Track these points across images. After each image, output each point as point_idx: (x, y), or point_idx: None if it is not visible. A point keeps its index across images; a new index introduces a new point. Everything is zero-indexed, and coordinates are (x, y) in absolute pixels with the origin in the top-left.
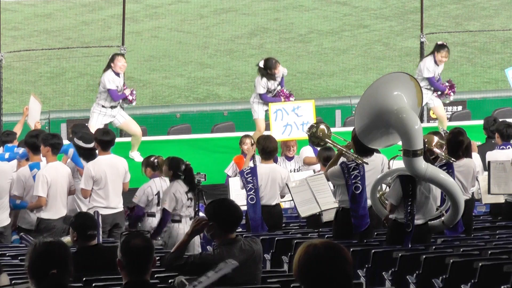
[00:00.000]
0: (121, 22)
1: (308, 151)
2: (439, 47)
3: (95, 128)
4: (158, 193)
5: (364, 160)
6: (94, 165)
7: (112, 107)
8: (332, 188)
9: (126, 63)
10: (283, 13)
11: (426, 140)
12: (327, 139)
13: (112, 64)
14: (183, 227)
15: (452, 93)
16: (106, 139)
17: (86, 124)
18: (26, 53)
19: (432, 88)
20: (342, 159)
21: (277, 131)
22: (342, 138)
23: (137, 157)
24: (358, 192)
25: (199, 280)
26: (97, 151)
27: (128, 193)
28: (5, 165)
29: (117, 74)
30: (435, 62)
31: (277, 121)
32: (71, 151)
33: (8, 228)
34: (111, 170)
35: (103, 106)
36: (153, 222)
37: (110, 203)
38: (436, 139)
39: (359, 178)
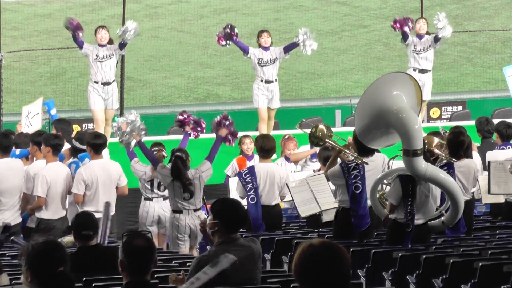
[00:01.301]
0: (121, 22)
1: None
2: (415, 21)
3: (97, 111)
4: (151, 181)
5: (364, 160)
6: (86, 170)
7: (104, 84)
8: (332, 188)
9: (106, 33)
10: (283, 13)
11: (426, 141)
12: (326, 139)
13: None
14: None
15: (409, 25)
16: (98, 142)
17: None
18: (26, 53)
19: (417, 48)
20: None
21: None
22: (342, 138)
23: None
24: (358, 192)
25: (197, 277)
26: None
27: (125, 196)
28: (17, 163)
29: (102, 46)
30: (417, 36)
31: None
32: (87, 160)
33: (19, 226)
34: (103, 174)
35: (95, 82)
36: (150, 206)
37: (100, 207)
38: (436, 140)
39: (359, 178)
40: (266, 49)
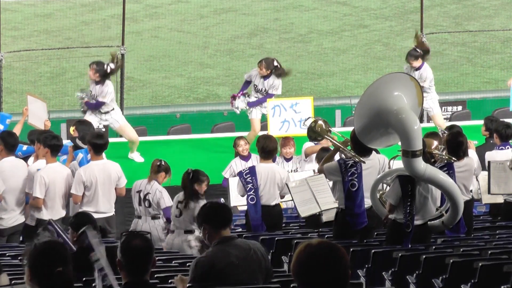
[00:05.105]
0: (121, 22)
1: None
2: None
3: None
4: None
5: (361, 159)
6: (85, 170)
7: (105, 113)
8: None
9: (92, 70)
10: (283, 13)
11: (425, 143)
12: (324, 134)
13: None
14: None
15: None
16: (99, 142)
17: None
18: (26, 53)
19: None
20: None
21: (274, 126)
22: (340, 134)
23: (137, 157)
24: (354, 189)
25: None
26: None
27: (125, 197)
28: (19, 162)
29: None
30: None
31: (274, 117)
32: (80, 155)
33: (22, 226)
34: (102, 175)
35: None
36: (138, 223)
37: (99, 208)
38: (435, 143)
39: (356, 175)
40: (265, 78)
